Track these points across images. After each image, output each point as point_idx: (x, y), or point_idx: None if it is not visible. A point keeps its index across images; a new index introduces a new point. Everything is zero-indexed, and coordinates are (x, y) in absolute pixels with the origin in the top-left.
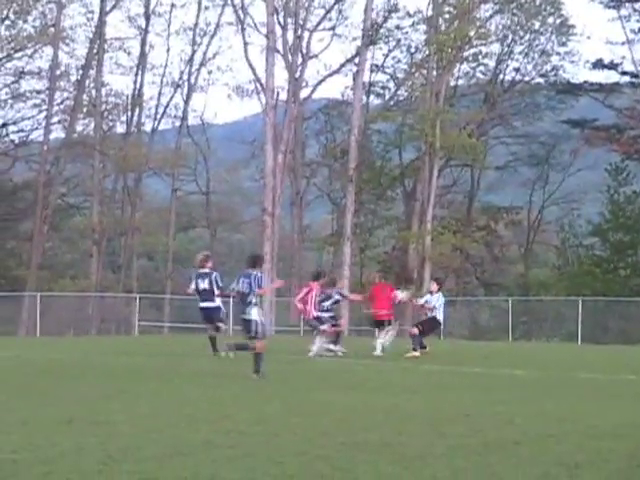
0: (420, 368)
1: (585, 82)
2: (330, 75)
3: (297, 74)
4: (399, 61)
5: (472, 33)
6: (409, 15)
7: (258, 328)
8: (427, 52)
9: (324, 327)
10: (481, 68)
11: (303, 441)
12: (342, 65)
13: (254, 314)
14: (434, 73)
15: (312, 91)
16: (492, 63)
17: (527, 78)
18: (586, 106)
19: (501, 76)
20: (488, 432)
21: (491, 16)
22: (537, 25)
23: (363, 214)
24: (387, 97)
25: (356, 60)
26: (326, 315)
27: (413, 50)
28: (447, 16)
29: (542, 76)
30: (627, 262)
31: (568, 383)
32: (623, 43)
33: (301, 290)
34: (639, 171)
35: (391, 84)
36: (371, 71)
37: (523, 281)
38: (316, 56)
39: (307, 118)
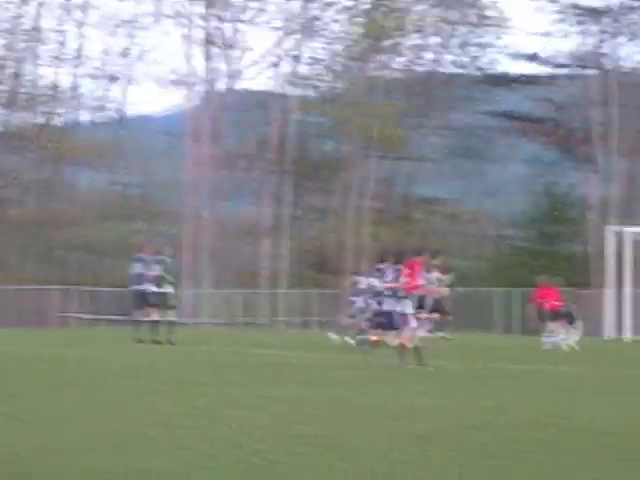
0: (361, 361)
1: (521, 75)
2: (267, 67)
3: (233, 66)
4: (336, 54)
5: (409, 26)
6: (347, 8)
7: None
8: (364, 44)
9: None
10: (419, 60)
11: (239, 434)
12: (279, 57)
13: None
14: (371, 65)
15: (249, 83)
16: (429, 55)
17: (464, 71)
18: (521, 99)
19: (438, 69)
20: (427, 424)
21: (429, 9)
22: (474, 18)
23: (300, 206)
24: (324, 89)
25: (293, 52)
26: None
27: (350, 42)
28: (384, 9)
29: (478, 69)
30: (560, 254)
31: (494, 374)
32: (559, 36)
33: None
34: (572, 164)
35: (328, 76)
36: (308, 63)
37: (459, 273)
38: (253, 48)
39: (244, 110)
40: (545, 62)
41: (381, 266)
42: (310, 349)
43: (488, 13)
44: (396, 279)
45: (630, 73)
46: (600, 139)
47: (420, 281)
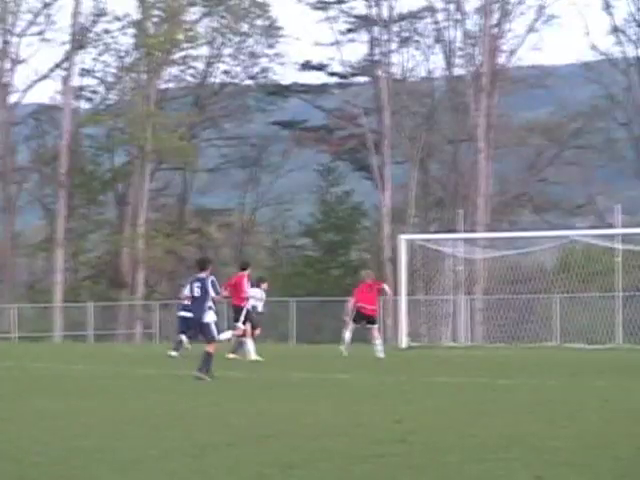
0: (136, 372)
1: (294, 83)
2: (40, 80)
3: (5, 79)
4: (108, 65)
5: (181, 36)
6: (118, 19)
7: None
8: (137, 55)
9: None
10: (191, 71)
11: (17, 449)
12: (51, 70)
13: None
14: (144, 76)
15: (21, 96)
16: (201, 66)
17: (237, 80)
18: (296, 107)
19: (211, 79)
20: (203, 434)
21: (200, 19)
22: (245, 27)
23: (75, 219)
24: (97, 101)
25: (65, 64)
26: None
27: (122, 54)
28: (156, 19)
29: (251, 78)
30: (339, 262)
31: (282, 383)
32: (332, 44)
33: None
34: (349, 171)
35: (102, 88)
36: (81, 75)
37: None
38: (25, 61)
39: (17, 123)
40: (319, 70)
41: (202, 275)
42: (88, 361)
43: (259, 22)
44: (208, 289)
45: (402, 80)
46: (374, 146)
47: (246, 294)
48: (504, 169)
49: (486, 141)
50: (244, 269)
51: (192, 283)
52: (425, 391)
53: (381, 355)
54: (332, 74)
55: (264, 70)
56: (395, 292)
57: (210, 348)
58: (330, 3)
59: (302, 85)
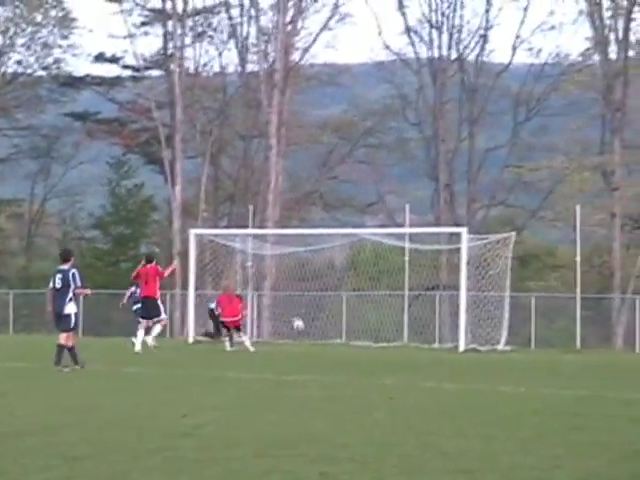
0: None
1: (87, 75)
2: None
3: None
4: None
5: None
6: None
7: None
8: None
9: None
10: None
11: None
12: None
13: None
14: None
15: None
16: None
17: (29, 70)
18: (89, 99)
19: (3, 68)
20: None
21: None
22: (39, 18)
23: None
24: None
25: None
26: None
27: None
28: None
29: (44, 69)
30: (128, 255)
31: (74, 375)
32: (125, 37)
33: None
34: (140, 164)
35: None
36: None
37: (25, 274)
38: None
39: None
40: (112, 62)
41: (64, 267)
42: None
43: (53, 13)
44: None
45: (195, 74)
46: (166, 140)
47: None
48: (296, 166)
49: (278, 138)
50: (151, 261)
51: (54, 275)
52: (214, 386)
53: (251, 349)
54: (126, 67)
55: (57, 61)
56: (184, 286)
57: (63, 340)
58: None
59: (95, 77)
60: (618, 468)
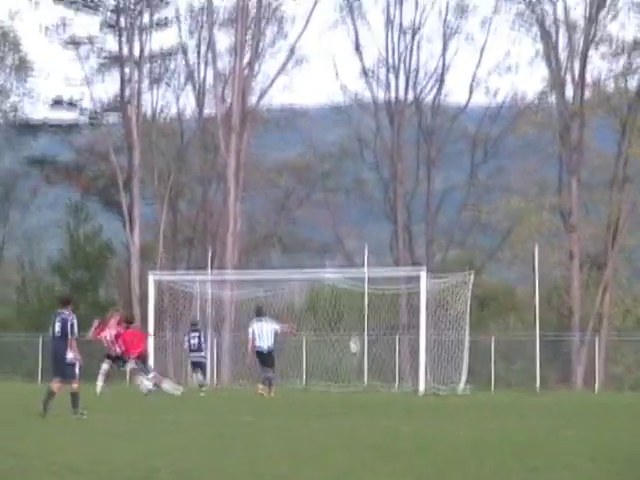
0: None
1: (45, 120)
2: None
3: None
4: None
5: None
6: None
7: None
8: None
9: None
10: None
11: None
12: None
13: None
14: None
15: None
16: None
17: None
18: (46, 143)
19: None
20: None
21: None
22: None
23: None
24: None
25: None
26: None
27: None
28: None
29: (1, 114)
30: (87, 300)
31: (25, 420)
32: (82, 83)
33: None
34: (98, 209)
35: None
36: None
37: None
38: None
39: None
40: (70, 106)
41: (64, 311)
42: None
43: (10, 59)
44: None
45: (152, 119)
46: (123, 184)
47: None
48: (254, 209)
49: (236, 181)
50: (131, 323)
51: (54, 320)
52: (166, 429)
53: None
54: (83, 111)
55: (14, 106)
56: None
57: (75, 387)
58: (80, 43)
59: (52, 125)
60: None
